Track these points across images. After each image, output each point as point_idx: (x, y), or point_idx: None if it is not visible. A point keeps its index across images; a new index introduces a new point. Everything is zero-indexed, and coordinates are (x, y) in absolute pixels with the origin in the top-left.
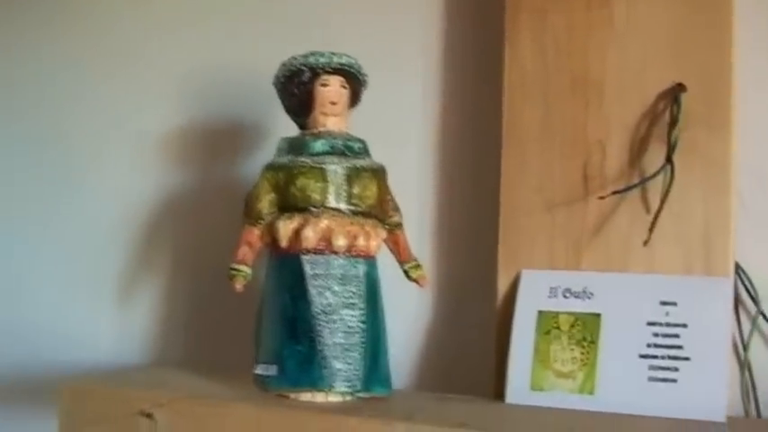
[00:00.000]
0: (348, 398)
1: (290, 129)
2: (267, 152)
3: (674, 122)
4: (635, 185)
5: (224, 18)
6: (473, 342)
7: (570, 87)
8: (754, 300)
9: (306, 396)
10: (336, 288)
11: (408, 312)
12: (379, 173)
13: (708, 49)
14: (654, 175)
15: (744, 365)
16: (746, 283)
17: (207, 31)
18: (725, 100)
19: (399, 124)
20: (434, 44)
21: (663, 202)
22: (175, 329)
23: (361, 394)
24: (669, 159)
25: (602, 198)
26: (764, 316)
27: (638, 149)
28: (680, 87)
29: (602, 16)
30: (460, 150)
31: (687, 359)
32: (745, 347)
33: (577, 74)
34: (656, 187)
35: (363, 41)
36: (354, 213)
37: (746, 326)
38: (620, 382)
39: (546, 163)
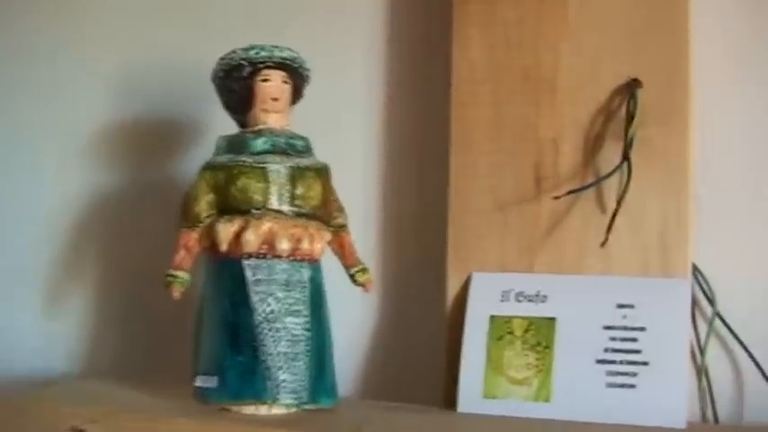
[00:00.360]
0: (293, 410)
1: (228, 126)
2: (203, 151)
3: (630, 119)
4: (591, 184)
5: (156, 12)
6: (421, 348)
7: (521, 83)
8: (711, 301)
9: (249, 409)
10: (280, 294)
11: (352, 317)
12: (323, 172)
13: (664, 44)
14: (611, 174)
15: (701, 370)
16: (703, 284)
17: (140, 26)
18: (682, 96)
19: (342, 121)
20: (378, 36)
21: (620, 201)
22: (105, 338)
23: (307, 406)
24: (626, 157)
25: (557, 198)
26: (721, 317)
27: (592, 147)
28: (636, 83)
29: (555, 8)
30: (407, 148)
31: (646, 364)
32: (702, 351)
33: (529, 69)
34: (610, 186)
35: (304, 34)
36: (298, 215)
37: (702, 329)
38: (577, 389)
39: (497, 162)
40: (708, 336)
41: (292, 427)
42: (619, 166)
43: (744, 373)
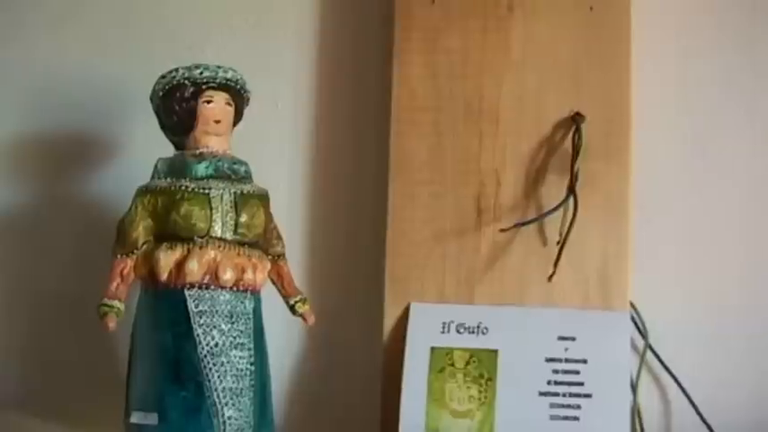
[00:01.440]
0: None
1: (148, 145)
2: (118, 170)
3: (576, 153)
4: (539, 217)
5: (72, 24)
6: (358, 379)
7: (464, 113)
8: (642, 334)
9: None
10: (224, 327)
11: (285, 349)
12: (265, 199)
13: (606, 80)
14: (558, 207)
15: (633, 402)
16: (636, 318)
17: (54, 39)
18: (624, 132)
19: (270, 146)
20: (311, 56)
21: (567, 234)
22: (9, 367)
23: None
24: (572, 191)
25: (503, 231)
26: (653, 350)
27: (534, 180)
28: (580, 117)
29: (499, 40)
30: (343, 176)
31: (588, 396)
32: (635, 384)
33: (472, 99)
34: (552, 219)
35: (228, 53)
36: (240, 244)
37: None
38: (521, 421)
39: (437, 193)
40: (640, 368)
41: None
42: (565, 200)
43: (673, 405)
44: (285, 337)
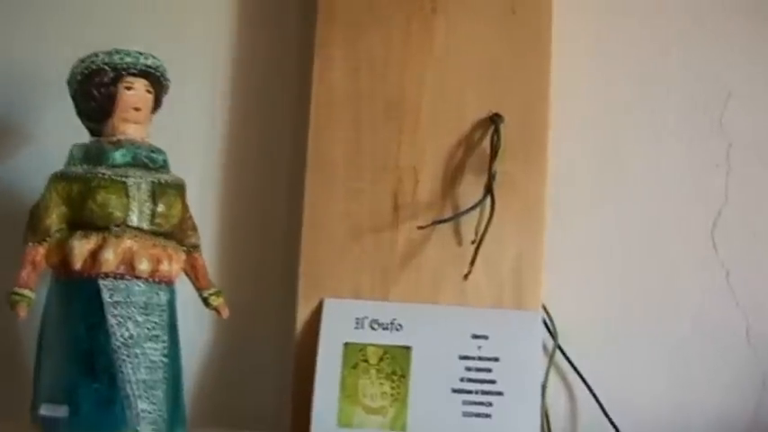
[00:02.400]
0: None
1: (57, 133)
2: (27, 158)
3: (494, 153)
4: (459, 215)
5: None
6: (270, 376)
7: (384, 109)
8: (552, 335)
9: None
10: (139, 318)
11: (197, 343)
12: (182, 189)
13: (526, 82)
14: (476, 206)
15: (542, 403)
16: (546, 319)
17: None
18: (541, 134)
19: (187, 136)
20: (232, 49)
21: (483, 234)
22: None
23: None
24: (490, 191)
25: (421, 228)
26: (562, 351)
27: (452, 179)
28: (499, 117)
29: (422, 37)
30: (260, 169)
31: (500, 394)
32: (544, 385)
33: (392, 95)
34: (468, 218)
35: (144, 37)
36: (156, 234)
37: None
38: (433, 418)
39: (354, 189)
40: (548, 368)
41: None
42: (483, 200)
43: (580, 405)
44: (197, 330)
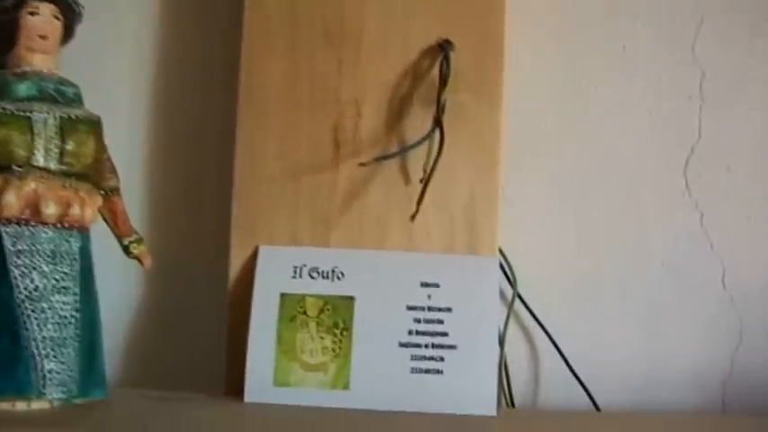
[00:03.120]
0: (57, 404)
1: None
2: None
3: (443, 82)
4: (404, 150)
5: None
6: (202, 330)
7: (322, 39)
8: (511, 282)
9: (4, 405)
10: (45, 268)
11: (121, 296)
12: (96, 126)
13: (478, 5)
14: (423, 140)
15: (501, 356)
16: (504, 265)
17: None
18: (496, 63)
19: (111, 70)
20: None
21: (432, 169)
22: None
23: (76, 400)
24: (439, 123)
25: (363, 165)
26: (522, 299)
27: (397, 112)
28: (449, 44)
29: None
30: (188, 104)
31: (453, 347)
32: (502, 336)
33: (331, 23)
34: (416, 155)
35: None
36: (66, 175)
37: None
38: (379, 375)
39: (291, 124)
40: (507, 319)
41: (63, 425)
42: (431, 133)
43: (542, 358)
44: (121, 282)
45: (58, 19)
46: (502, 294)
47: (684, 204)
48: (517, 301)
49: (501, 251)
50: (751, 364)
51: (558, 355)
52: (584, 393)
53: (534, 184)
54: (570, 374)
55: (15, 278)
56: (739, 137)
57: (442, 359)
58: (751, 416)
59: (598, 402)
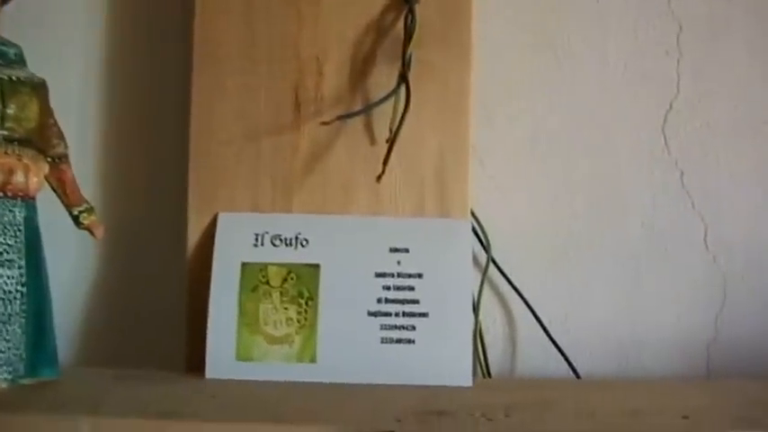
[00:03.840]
0: (5, 386)
1: None
2: None
3: (408, 37)
4: (369, 107)
5: None
6: (158, 304)
7: None
8: (485, 247)
9: None
10: None
11: (71, 269)
12: (40, 89)
13: None
14: (388, 96)
15: (476, 324)
16: (477, 228)
17: None
18: (463, 14)
19: (61, 31)
20: None
21: (399, 128)
22: None
23: (24, 381)
24: (404, 79)
25: (325, 124)
26: (496, 264)
27: (361, 69)
28: None
29: None
30: (142, 64)
31: (425, 315)
32: (476, 303)
33: None
34: (381, 114)
35: None
36: (9, 140)
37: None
38: (347, 346)
39: (249, 84)
40: (482, 284)
41: (9, 407)
42: (396, 89)
43: (518, 325)
44: (73, 255)
45: None
46: (475, 260)
47: (663, 162)
48: (491, 267)
49: (473, 214)
50: (736, 327)
51: (536, 322)
52: (564, 361)
53: (506, 142)
54: (548, 341)
55: None
56: (719, 92)
57: (413, 328)
58: (737, 379)
59: (578, 370)
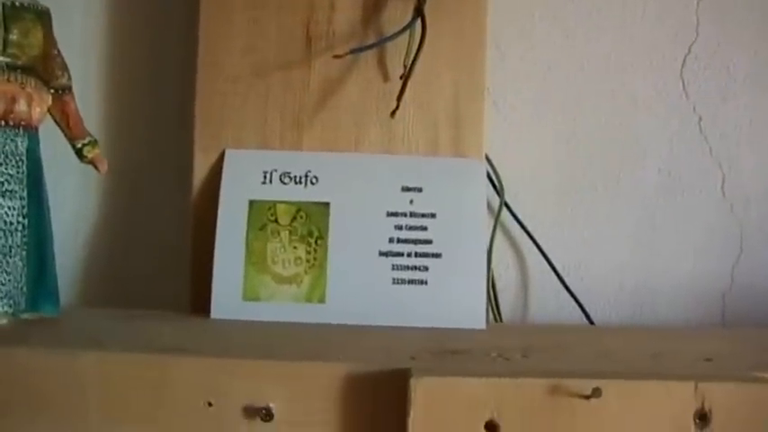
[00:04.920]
0: (5, 321)
1: None
2: None
3: None
4: (383, 41)
5: None
6: (163, 242)
7: None
8: (498, 190)
9: None
10: None
11: (75, 204)
12: (44, 17)
13: None
14: (403, 30)
15: (488, 268)
16: (491, 171)
17: None
18: None
19: None
20: None
21: (413, 64)
22: None
23: (25, 315)
24: (420, 13)
25: (337, 57)
26: (509, 208)
27: (374, 3)
28: None
29: None
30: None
31: (438, 256)
32: (489, 248)
33: None
34: (395, 51)
35: None
36: (11, 68)
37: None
38: (357, 287)
39: (258, 18)
40: (494, 228)
41: (10, 342)
42: (411, 23)
43: (531, 270)
44: (76, 191)
45: None
46: (488, 205)
47: (681, 107)
48: (504, 212)
49: (487, 157)
50: (752, 276)
51: (549, 268)
52: (577, 308)
53: (521, 78)
54: (561, 288)
55: None
56: (739, 36)
57: (425, 269)
58: (754, 329)
59: (591, 316)
